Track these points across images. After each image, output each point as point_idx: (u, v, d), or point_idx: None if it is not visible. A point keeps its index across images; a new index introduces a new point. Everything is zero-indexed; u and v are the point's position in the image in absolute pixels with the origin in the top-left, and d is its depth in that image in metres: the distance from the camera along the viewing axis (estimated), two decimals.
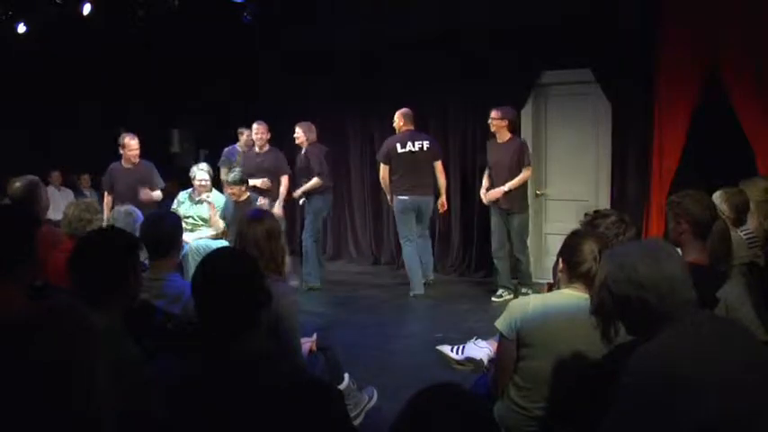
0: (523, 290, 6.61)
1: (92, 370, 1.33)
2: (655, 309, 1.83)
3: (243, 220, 3.36)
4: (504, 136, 6.51)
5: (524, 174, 6.47)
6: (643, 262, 1.85)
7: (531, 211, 7.43)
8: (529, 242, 7.46)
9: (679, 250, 2.91)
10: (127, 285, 2.26)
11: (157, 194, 6.68)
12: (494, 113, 6.49)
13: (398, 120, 7.02)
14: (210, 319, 1.88)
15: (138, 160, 6.65)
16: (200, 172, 6.61)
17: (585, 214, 3.03)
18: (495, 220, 6.68)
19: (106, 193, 6.74)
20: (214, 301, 1.87)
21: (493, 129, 6.52)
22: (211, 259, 1.99)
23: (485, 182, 6.72)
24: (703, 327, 1.84)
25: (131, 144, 6.63)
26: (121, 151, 6.64)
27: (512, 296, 6.51)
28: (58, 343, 1.30)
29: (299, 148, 7.30)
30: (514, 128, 6.59)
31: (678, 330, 1.80)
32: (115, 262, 2.24)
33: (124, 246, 2.33)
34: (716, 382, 1.69)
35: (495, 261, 6.77)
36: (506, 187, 6.41)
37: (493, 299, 6.63)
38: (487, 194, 6.57)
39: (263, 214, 3.36)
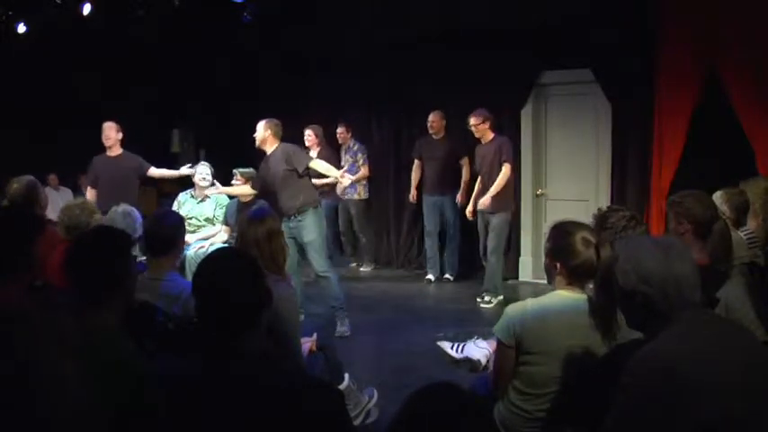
0: (486, 297, 6.50)
1: (54, 376, 1.30)
2: (657, 306, 1.83)
3: (243, 220, 3.36)
4: (487, 137, 6.51)
5: (505, 170, 6.36)
6: (653, 258, 1.85)
7: (530, 211, 7.44)
8: (529, 242, 7.48)
9: None
10: (126, 284, 2.26)
11: (168, 172, 6.61)
12: (473, 120, 6.47)
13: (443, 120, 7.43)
14: (211, 319, 1.88)
15: (119, 150, 6.53)
16: (201, 166, 6.60)
17: (599, 209, 3.03)
18: (480, 224, 6.67)
19: (89, 188, 6.53)
20: (215, 301, 1.87)
21: (478, 135, 6.52)
22: (212, 259, 1.99)
23: (477, 189, 6.68)
24: (703, 327, 1.84)
25: (104, 129, 6.48)
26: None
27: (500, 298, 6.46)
28: (10, 352, 1.27)
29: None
30: (495, 126, 6.58)
31: (678, 330, 1.80)
32: (116, 261, 2.24)
33: (123, 244, 2.33)
34: (716, 382, 1.69)
35: (485, 265, 6.73)
36: (493, 191, 6.31)
37: (482, 305, 6.50)
38: (479, 203, 6.47)
39: (264, 214, 3.35)
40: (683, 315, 1.82)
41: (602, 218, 2.89)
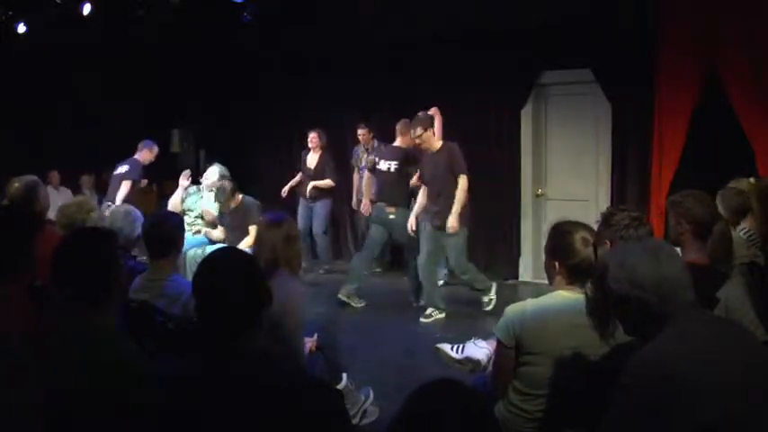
0: (485, 298, 6.13)
1: None
2: (654, 310, 1.83)
3: (261, 223, 3.40)
4: (434, 145, 5.80)
5: (462, 184, 5.66)
6: (644, 262, 1.85)
7: (530, 211, 7.44)
8: (529, 242, 7.48)
9: (679, 250, 2.91)
10: (120, 283, 2.27)
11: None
12: (416, 131, 5.70)
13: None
14: (211, 319, 1.88)
15: None
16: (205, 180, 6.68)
17: (607, 208, 3.04)
18: (424, 237, 5.96)
19: None
20: (215, 301, 1.87)
21: (424, 145, 5.81)
22: (212, 259, 1.99)
23: (422, 201, 6.00)
24: (703, 328, 1.84)
25: None
26: None
27: (442, 315, 6.00)
28: None
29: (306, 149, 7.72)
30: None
31: (677, 331, 1.79)
32: (111, 260, 2.24)
33: (115, 244, 2.33)
34: (715, 382, 1.69)
35: (421, 277, 6.13)
36: (456, 210, 5.63)
37: (422, 319, 5.98)
38: (449, 225, 5.67)
39: (282, 219, 3.36)
40: (681, 316, 1.82)
41: (607, 216, 2.91)
